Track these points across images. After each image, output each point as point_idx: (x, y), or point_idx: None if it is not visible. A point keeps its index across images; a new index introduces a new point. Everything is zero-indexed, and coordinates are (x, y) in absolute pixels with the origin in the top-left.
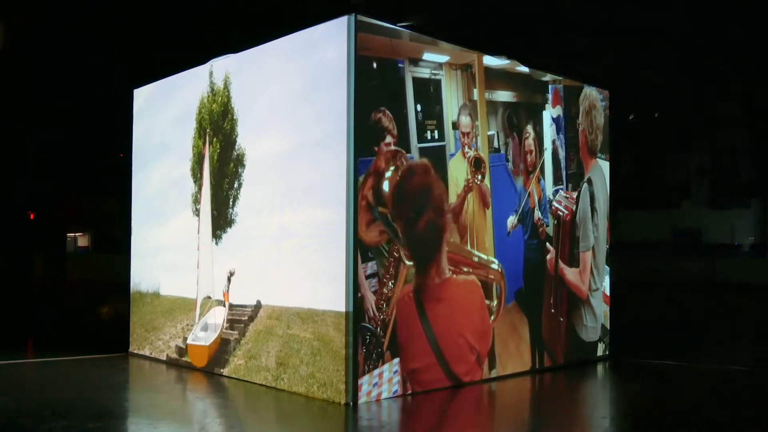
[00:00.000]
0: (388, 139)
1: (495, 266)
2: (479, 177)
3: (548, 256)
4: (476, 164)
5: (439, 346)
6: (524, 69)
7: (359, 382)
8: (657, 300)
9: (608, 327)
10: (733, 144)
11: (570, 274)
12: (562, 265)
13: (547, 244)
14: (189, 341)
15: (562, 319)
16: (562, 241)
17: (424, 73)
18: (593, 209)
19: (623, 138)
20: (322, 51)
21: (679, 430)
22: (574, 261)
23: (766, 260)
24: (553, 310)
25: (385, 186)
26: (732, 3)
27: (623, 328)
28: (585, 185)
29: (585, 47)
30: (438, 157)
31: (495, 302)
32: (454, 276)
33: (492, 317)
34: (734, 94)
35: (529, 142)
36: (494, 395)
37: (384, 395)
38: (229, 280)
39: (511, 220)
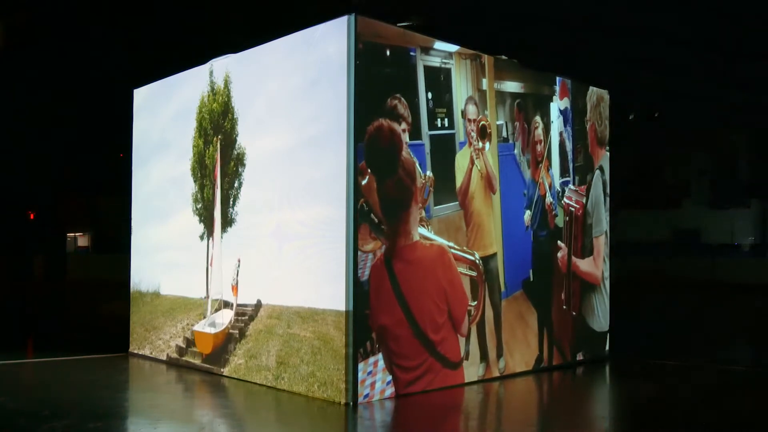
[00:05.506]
0: (403, 125)
1: (474, 259)
2: (483, 145)
3: (560, 254)
4: (482, 131)
5: (407, 303)
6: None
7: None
8: (657, 300)
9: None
10: (733, 144)
11: (584, 264)
12: (575, 259)
13: (559, 242)
14: (196, 329)
15: (574, 314)
16: (575, 236)
17: (434, 61)
18: (605, 194)
19: (623, 138)
20: (323, 50)
21: (678, 430)
22: (586, 251)
23: (766, 260)
24: (564, 307)
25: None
26: (732, 2)
27: (623, 328)
28: (597, 172)
29: (585, 47)
30: (448, 145)
31: (474, 302)
32: (421, 240)
33: (470, 317)
34: (734, 94)
35: (539, 132)
36: (495, 394)
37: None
38: (237, 270)
39: (528, 215)
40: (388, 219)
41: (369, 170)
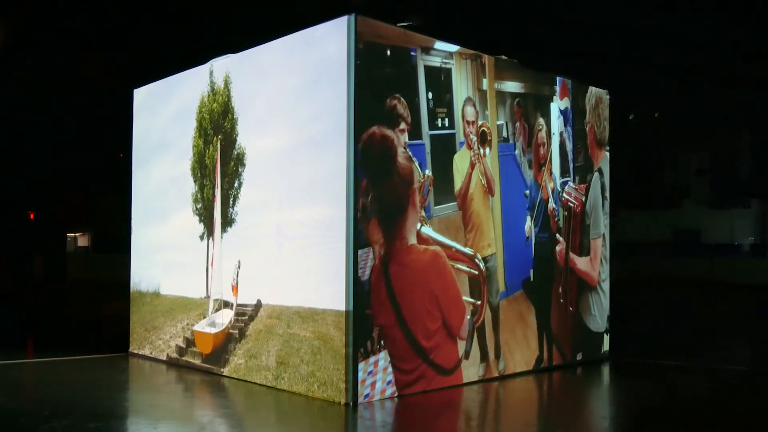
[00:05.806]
0: (402, 125)
1: (478, 262)
2: (483, 150)
3: (558, 248)
4: (482, 137)
5: (399, 307)
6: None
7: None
8: (657, 300)
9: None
10: (733, 144)
11: (581, 263)
12: (572, 255)
13: (557, 235)
14: (196, 329)
15: (571, 309)
16: (573, 231)
17: (435, 61)
18: (604, 197)
19: (623, 138)
20: (323, 50)
21: (678, 430)
22: (584, 250)
23: (766, 260)
24: (561, 300)
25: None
26: (732, 3)
27: (623, 328)
28: (596, 174)
29: (585, 47)
30: (448, 145)
31: (478, 301)
32: (417, 245)
33: (474, 316)
34: (734, 94)
35: (542, 134)
36: (495, 394)
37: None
38: (237, 270)
39: (529, 224)
40: (385, 222)
41: (367, 177)
